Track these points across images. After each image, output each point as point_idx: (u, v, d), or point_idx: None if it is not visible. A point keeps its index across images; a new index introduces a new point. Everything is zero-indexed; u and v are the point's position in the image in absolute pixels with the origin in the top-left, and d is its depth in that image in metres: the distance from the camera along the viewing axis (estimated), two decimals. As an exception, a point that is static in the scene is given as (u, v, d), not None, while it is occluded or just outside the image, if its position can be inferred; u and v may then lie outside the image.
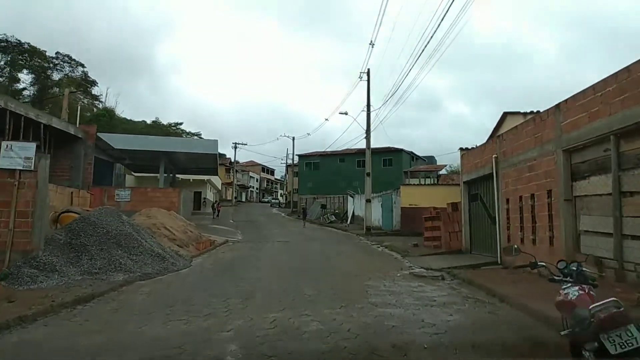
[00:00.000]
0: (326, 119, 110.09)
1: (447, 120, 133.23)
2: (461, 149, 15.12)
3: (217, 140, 32.95)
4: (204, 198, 52.35)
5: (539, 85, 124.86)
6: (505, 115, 14.84)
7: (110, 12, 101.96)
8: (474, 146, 15.58)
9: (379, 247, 18.53)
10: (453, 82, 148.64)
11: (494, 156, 11.85)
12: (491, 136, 16.88)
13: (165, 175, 40.38)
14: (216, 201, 47.40)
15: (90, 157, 21.71)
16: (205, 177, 50.35)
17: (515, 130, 11.00)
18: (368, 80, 26.33)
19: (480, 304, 7.42)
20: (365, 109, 26.24)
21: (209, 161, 37.89)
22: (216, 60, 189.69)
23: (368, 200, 26.20)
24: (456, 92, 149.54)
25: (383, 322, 6.00)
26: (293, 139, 57.80)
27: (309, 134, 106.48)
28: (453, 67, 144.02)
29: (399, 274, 10.57)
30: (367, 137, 26.22)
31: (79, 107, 30.44)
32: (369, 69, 26.50)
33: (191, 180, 50.17)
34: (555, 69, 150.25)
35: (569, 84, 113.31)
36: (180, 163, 41.16)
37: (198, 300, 7.70)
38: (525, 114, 14.82)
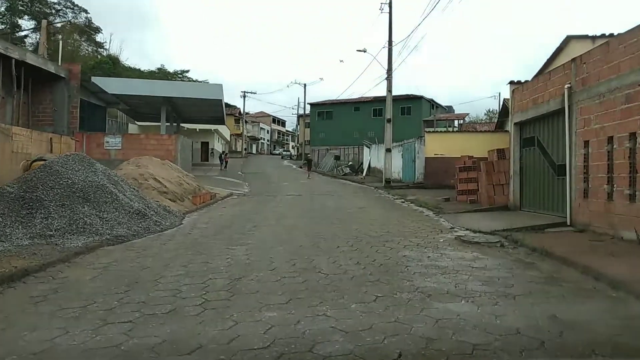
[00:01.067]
0: (341, 60, 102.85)
1: (462, 71, 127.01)
2: (512, 82, 12.22)
3: (221, 85, 30.04)
4: (212, 149, 50.03)
5: (552, 34, 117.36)
6: (569, 39, 11.84)
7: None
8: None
9: (403, 202, 16.07)
10: (468, 31, 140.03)
11: (566, 86, 9.02)
12: (541, 70, 13.86)
13: (169, 124, 37.92)
14: (224, 152, 45.10)
15: (75, 100, 19.17)
16: (213, 127, 47.79)
17: (604, 48, 8.12)
18: (390, 12, 22.94)
19: (586, 293, 4.94)
20: (387, 45, 23.01)
21: (214, 108, 35.17)
22: (226, 7, 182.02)
23: (388, 150, 23.51)
24: (472, 41, 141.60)
25: (453, 337, 3.55)
26: (304, 85, 54.38)
27: (321, 78, 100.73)
28: (465, 17, 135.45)
29: (442, 239, 8.10)
30: (389, 78, 23.17)
31: (60, 43, 27.41)
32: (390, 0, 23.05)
33: (197, 130, 47.71)
34: (571, 17, 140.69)
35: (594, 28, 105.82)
36: (183, 110, 38.52)
37: (168, 280, 5.35)
38: (594, 37, 11.81)
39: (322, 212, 12.41)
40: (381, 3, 23.00)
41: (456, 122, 50.78)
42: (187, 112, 39.57)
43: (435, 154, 22.44)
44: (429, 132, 23.37)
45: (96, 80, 28.02)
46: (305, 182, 27.85)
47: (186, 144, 20.27)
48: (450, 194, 16.54)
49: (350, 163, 36.91)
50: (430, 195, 17.71)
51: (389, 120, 23.49)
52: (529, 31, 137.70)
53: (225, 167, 39.15)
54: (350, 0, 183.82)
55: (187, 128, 46.79)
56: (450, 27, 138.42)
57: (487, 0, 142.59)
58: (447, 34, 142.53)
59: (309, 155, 47.36)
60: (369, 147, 34.35)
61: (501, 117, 29.75)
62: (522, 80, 12.31)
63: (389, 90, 23.30)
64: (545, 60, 13.33)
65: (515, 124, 11.67)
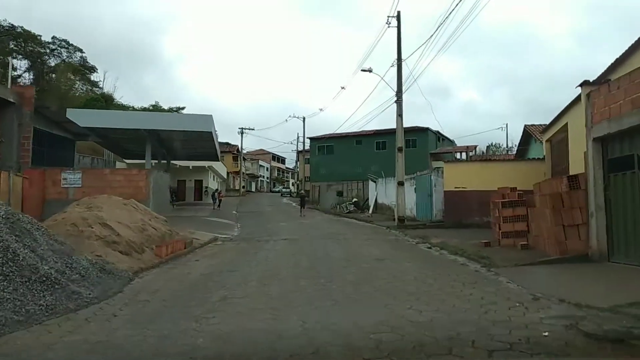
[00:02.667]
0: (342, 87, 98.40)
1: (457, 107, 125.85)
2: (586, 82, 8.98)
3: (211, 116, 27.05)
4: (206, 187, 46.77)
5: (553, 71, 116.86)
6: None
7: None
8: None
9: (429, 247, 12.54)
10: (463, 68, 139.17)
11: None
12: (604, 77, 10.65)
13: (156, 161, 34.78)
14: (217, 190, 41.84)
15: (27, 129, 15.99)
16: (207, 164, 44.66)
17: None
18: (398, 25, 20.15)
19: None
20: (396, 63, 20.09)
21: (206, 143, 32.13)
22: (223, 49, 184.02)
23: (401, 183, 20.17)
24: (466, 78, 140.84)
25: None
26: (304, 119, 51.76)
27: (321, 109, 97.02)
28: (463, 53, 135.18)
29: (545, 331, 4.52)
30: (398, 100, 20.12)
31: (10, 63, 24.60)
32: (399, 12, 20.33)
33: (190, 168, 44.63)
34: (570, 54, 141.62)
35: (584, 70, 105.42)
36: (172, 146, 35.45)
37: None
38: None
39: (327, 269, 8.88)
40: (388, 17, 20.24)
41: (463, 154, 47.80)
42: (177, 148, 36.51)
43: (455, 187, 19.11)
44: (449, 162, 20.11)
45: (70, 112, 25.32)
46: (304, 221, 24.38)
47: (162, 181, 16.96)
48: (484, 236, 13.08)
49: (354, 199, 33.49)
50: (457, 237, 14.26)
51: (400, 149, 20.30)
52: (525, 67, 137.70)
53: (219, 206, 35.81)
54: (350, 24, 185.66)
55: (180, 165, 43.74)
56: (442, 63, 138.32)
57: (484, 34, 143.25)
58: (439, 70, 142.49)
59: (302, 191, 44.71)
60: (374, 182, 31.07)
61: (522, 146, 26.70)
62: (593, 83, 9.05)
63: (399, 114, 20.22)
64: (616, 57, 10.12)
65: (595, 139, 8.33)
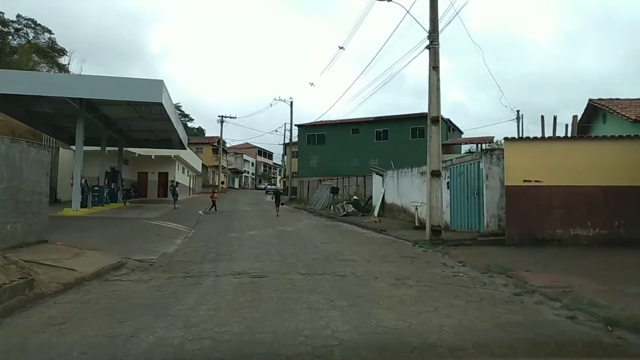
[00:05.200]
0: (341, 47, 77.27)
1: (445, 108, 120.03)
2: None
3: (162, 81, 19.52)
4: (172, 181, 38.97)
5: (535, 72, 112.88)
6: None
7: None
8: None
9: (568, 314, 5.21)
10: (447, 69, 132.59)
11: None
12: None
13: (98, 147, 27.12)
14: (178, 183, 34.40)
15: None
16: (173, 153, 36.86)
17: None
18: None
19: None
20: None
21: (161, 123, 24.53)
22: (209, 42, 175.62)
23: (435, 174, 12.88)
24: (451, 78, 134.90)
25: None
26: (291, 103, 44.25)
27: (312, 83, 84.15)
28: (447, 53, 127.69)
29: None
30: (433, 44, 12.77)
31: None
32: None
33: (153, 157, 36.89)
34: (552, 55, 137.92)
35: (567, 71, 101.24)
36: (122, 126, 27.83)
37: None
38: None
39: None
40: None
41: (478, 147, 41.07)
42: (129, 129, 28.89)
43: (525, 181, 11.90)
44: (512, 140, 12.76)
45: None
46: (286, 229, 17.01)
47: (26, 161, 9.29)
48: (620, 270, 5.93)
49: (354, 197, 26.12)
50: (570, 271, 7.24)
51: (435, 121, 13.03)
52: (506, 65, 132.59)
53: (215, 208, 27.47)
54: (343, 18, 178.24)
55: (139, 154, 36.07)
56: (425, 64, 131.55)
57: (466, 37, 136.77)
58: (422, 70, 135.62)
59: (275, 186, 38.40)
60: (381, 175, 23.76)
61: (584, 123, 19.94)
62: None
63: (435, 66, 12.91)
64: None
65: None
